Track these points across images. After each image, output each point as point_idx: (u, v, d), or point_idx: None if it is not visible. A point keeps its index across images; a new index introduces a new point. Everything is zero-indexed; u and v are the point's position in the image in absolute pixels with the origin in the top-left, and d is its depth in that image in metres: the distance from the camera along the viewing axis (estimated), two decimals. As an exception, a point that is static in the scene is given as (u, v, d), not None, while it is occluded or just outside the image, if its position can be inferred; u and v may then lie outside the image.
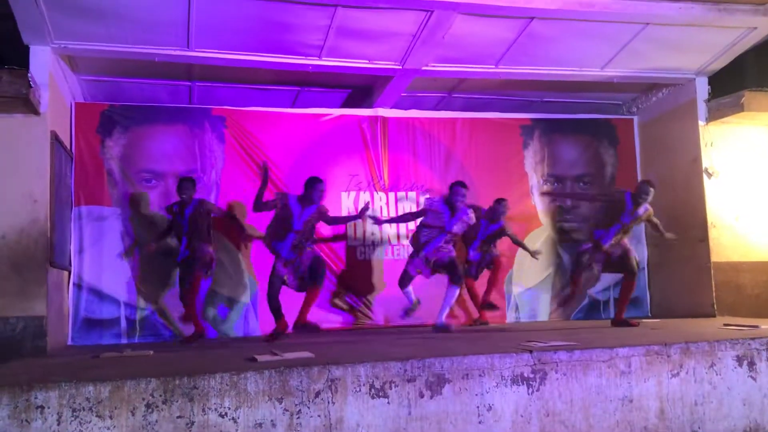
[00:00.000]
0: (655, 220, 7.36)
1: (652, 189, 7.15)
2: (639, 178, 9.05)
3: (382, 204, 8.49)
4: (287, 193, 6.82)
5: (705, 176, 8.28)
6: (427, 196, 8.06)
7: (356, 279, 8.25)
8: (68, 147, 7.33)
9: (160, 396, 3.77)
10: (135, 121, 7.80)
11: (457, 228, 7.11)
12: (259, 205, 6.62)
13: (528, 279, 8.54)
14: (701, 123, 8.36)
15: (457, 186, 7.08)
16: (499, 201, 7.82)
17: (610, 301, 8.89)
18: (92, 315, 7.38)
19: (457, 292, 7.16)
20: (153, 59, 7.02)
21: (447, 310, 7.13)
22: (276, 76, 7.90)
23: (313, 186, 6.61)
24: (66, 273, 7.23)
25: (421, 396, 4.20)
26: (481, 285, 8.04)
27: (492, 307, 7.89)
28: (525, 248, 8.04)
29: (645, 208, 7.19)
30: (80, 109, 7.68)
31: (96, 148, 7.65)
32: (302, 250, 6.58)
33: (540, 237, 8.87)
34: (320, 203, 6.71)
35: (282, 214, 6.61)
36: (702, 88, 8.42)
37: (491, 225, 7.80)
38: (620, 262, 7.26)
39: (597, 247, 7.29)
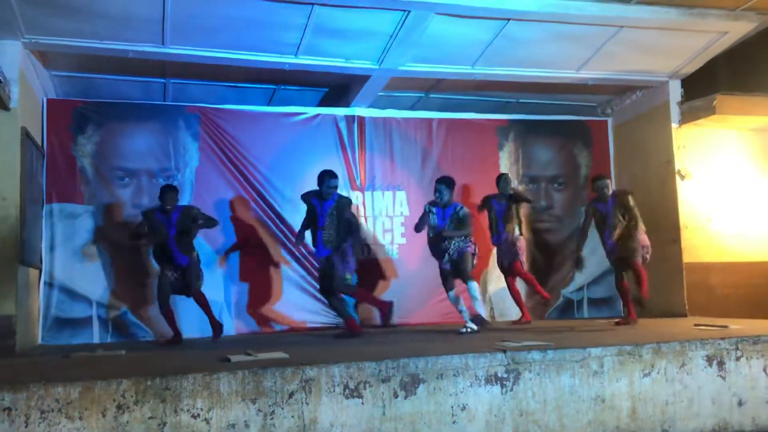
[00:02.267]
0: (630, 202, 7.23)
1: (607, 180, 7.38)
2: (612, 180, 9.16)
3: (359, 203, 8.47)
4: (310, 192, 6.87)
5: (678, 178, 8.39)
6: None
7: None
8: (39, 144, 7.22)
9: (132, 397, 3.73)
10: (108, 118, 7.71)
11: (450, 226, 6.73)
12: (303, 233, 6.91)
13: (503, 278, 8.56)
14: (674, 125, 8.47)
15: (437, 183, 6.89)
16: (500, 176, 7.88)
17: (584, 300, 8.98)
18: (63, 314, 7.28)
19: (474, 284, 6.80)
20: (127, 56, 6.94)
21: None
22: (252, 74, 7.85)
23: (322, 180, 6.68)
24: (36, 271, 7.12)
25: (396, 396, 4.20)
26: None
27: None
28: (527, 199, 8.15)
29: (614, 196, 7.24)
30: (52, 106, 7.58)
31: (68, 145, 7.55)
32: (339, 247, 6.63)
33: (515, 237, 8.90)
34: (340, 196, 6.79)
35: (309, 213, 6.80)
36: (675, 90, 8.53)
37: (501, 203, 7.77)
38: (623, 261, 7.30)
39: (611, 254, 7.36)
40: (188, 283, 6.64)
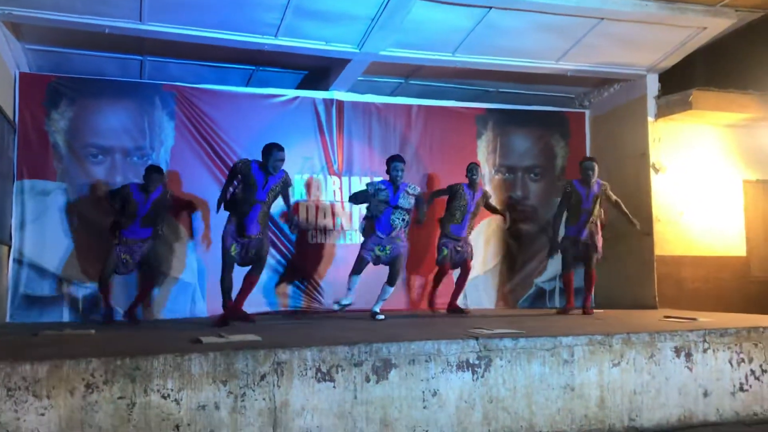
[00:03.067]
0: (614, 197, 7.53)
1: (594, 163, 7.47)
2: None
3: (336, 188, 8.45)
4: (251, 161, 6.45)
5: (652, 171, 8.48)
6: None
7: (306, 263, 8.20)
8: (11, 118, 7.09)
9: (101, 376, 3.69)
10: (83, 94, 7.59)
11: (403, 201, 7.03)
12: (224, 200, 6.44)
13: (476, 267, 8.60)
14: (650, 119, 8.55)
15: (392, 161, 7.10)
16: (470, 165, 7.83)
17: (556, 290, 9.08)
18: (32, 292, 7.19)
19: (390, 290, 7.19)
20: (103, 31, 6.82)
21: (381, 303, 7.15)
22: (230, 54, 7.76)
23: (269, 153, 6.33)
24: (6, 248, 7.01)
25: (368, 380, 4.20)
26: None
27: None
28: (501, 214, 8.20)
29: (598, 184, 7.38)
30: (25, 80, 7.44)
31: (41, 121, 7.43)
32: (263, 228, 6.39)
33: (490, 226, 8.96)
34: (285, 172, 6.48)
35: (245, 182, 6.34)
36: (652, 84, 8.61)
37: (476, 194, 7.75)
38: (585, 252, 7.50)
39: (574, 242, 7.47)
40: (148, 264, 6.63)
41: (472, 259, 7.87)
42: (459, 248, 7.68)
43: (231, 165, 7.81)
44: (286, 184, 6.50)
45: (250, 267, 6.47)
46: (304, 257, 8.20)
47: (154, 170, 6.73)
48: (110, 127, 7.66)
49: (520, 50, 7.91)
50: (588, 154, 9.45)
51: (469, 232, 7.81)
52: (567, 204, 7.56)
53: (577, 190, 7.48)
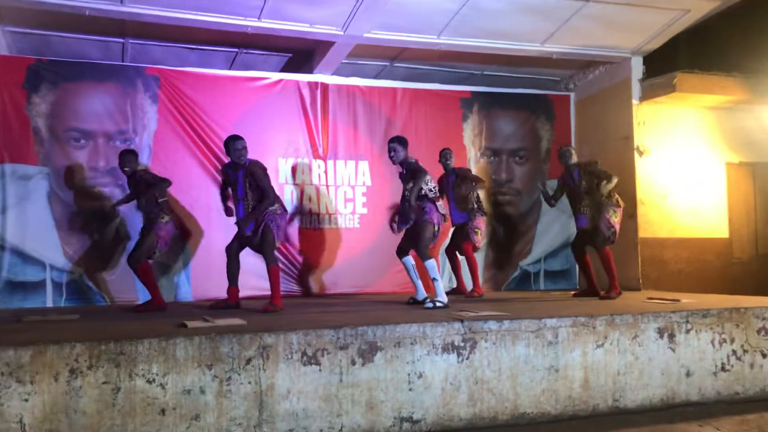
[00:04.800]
0: (598, 170, 7.09)
1: (567, 149, 7.36)
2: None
3: (321, 172, 8.42)
4: (226, 164, 6.47)
5: (636, 154, 8.52)
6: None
7: (292, 247, 8.19)
8: (-10, 102, 6.99)
9: (85, 361, 3.68)
10: (64, 77, 7.47)
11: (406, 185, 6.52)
12: (225, 201, 6.46)
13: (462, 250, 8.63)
14: (635, 102, 8.58)
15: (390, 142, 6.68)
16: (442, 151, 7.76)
17: (541, 273, 9.13)
18: (15, 277, 7.12)
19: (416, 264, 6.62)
20: (84, 13, 6.71)
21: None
22: (214, 36, 7.68)
23: (228, 147, 6.29)
24: (-13, 233, 6.95)
25: (353, 363, 4.22)
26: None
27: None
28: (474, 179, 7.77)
29: (577, 170, 7.20)
30: (4, 62, 7.31)
31: (21, 104, 7.32)
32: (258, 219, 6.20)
33: (475, 209, 8.96)
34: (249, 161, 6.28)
35: (229, 184, 6.40)
36: (637, 67, 8.63)
37: (449, 177, 7.67)
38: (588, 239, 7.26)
39: (579, 233, 7.35)
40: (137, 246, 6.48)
41: (471, 243, 7.62)
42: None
43: (214, 148, 7.80)
44: (249, 171, 6.20)
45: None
46: (289, 241, 8.17)
47: (126, 152, 6.60)
48: (92, 111, 7.55)
49: (506, 33, 7.89)
50: (573, 137, 9.49)
51: (469, 214, 7.53)
52: (561, 194, 7.42)
53: (567, 185, 7.29)
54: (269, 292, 6.14)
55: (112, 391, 3.70)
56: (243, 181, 6.22)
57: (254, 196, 6.22)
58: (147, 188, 6.40)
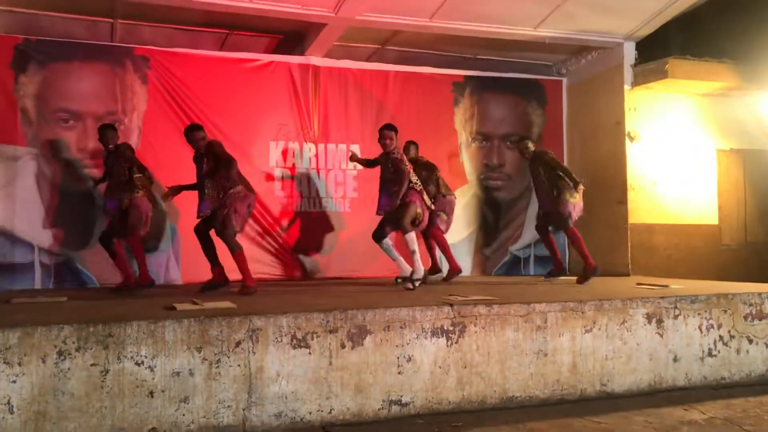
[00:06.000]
0: (550, 158, 7.38)
1: (522, 142, 7.70)
2: (564, 139, 9.36)
3: (311, 155, 8.39)
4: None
5: (627, 140, 8.52)
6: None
7: (282, 231, 8.17)
8: (-23, 81, 6.91)
9: (74, 343, 3.66)
10: (52, 57, 7.40)
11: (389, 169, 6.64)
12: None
13: (451, 235, 8.62)
14: (627, 87, 8.56)
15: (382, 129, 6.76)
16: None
17: (531, 257, 9.15)
18: (3, 259, 7.08)
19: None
20: (72, -8, 6.64)
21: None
22: (204, 17, 7.59)
23: (187, 137, 6.22)
24: (-26, 215, 6.90)
25: (343, 347, 4.23)
26: None
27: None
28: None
29: (530, 161, 7.59)
30: (-9, 42, 7.24)
31: (9, 85, 7.25)
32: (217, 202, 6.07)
33: (466, 195, 8.97)
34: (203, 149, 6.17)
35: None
36: (629, 53, 8.60)
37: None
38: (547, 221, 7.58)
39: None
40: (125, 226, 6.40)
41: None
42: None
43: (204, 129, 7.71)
44: (207, 151, 6.16)
45: None
46: (280, 224, 8.15)
47: (104, 127, 6.56)
48: (80, 92, 7.49)
49: (498, 16, 7.85)
50: (564, 122, 9.49)
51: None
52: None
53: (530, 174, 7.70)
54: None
55: (101, 373, 3.70)
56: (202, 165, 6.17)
57: (213, 181, 6.07)
58: (126, 162, 6.35)
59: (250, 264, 6.79)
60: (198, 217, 6.20)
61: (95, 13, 7.56)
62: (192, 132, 6.23)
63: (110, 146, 6.47)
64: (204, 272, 6.44)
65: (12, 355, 3.56)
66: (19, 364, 3.57)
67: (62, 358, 3.64)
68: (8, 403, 3.53)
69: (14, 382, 3.55)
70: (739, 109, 9.16)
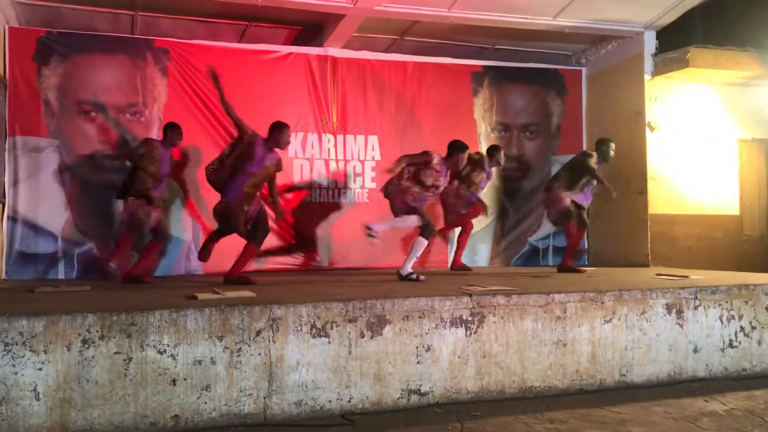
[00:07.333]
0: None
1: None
2: (584, 129, 9.31)
3: (330, 146, 8.41)
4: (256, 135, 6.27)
5: (647, 129, 8.45)
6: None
7: (304, 222, 8.22)
8: (1, 74, 6.99)
9: (97, 332, 3.72)
10: (74, 49, 7.48)
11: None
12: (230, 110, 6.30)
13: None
14: (647, 77, 8.48)
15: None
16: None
17: (550, 248, 9.13)
18: (27, 249, 7.19)
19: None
20: (94, -15, 6.70)
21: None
22: (223, 9, 7.63)
23: (281, 131, 6.24)
24: (0, 206, 6.99)
25: (362, 336, 4.25)
26: None
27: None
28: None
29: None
30: (15, 35, 7.31)
31: (32, 77, 7.33)
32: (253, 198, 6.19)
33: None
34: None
35: (245, 152, 6.16)
36: (650, 42, 8.52)
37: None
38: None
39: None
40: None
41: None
42: None
43: (224, 121, 7.76)
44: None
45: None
46: (299, 215, 8.20)
47: (171, 126, 6.66)
48: (102, 84, 7.56)
49: (517, 6, 7.80)
50: (584, 112, 9.44)
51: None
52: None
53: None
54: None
55: (124, 361, 3.75)
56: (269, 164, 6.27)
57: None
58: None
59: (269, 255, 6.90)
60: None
61: (116, 5, 7.62)
62: (285, 129, 6.29)
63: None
64: (225, 262, 6.48)
65: (38, 343, 3.63)
66: (45, 352, 3.64)
67: (86, 346, 3.70)
68: (34, 389, 3.60)
69: (40, 369, 3.62)
70: (762, 98, 9.03)
